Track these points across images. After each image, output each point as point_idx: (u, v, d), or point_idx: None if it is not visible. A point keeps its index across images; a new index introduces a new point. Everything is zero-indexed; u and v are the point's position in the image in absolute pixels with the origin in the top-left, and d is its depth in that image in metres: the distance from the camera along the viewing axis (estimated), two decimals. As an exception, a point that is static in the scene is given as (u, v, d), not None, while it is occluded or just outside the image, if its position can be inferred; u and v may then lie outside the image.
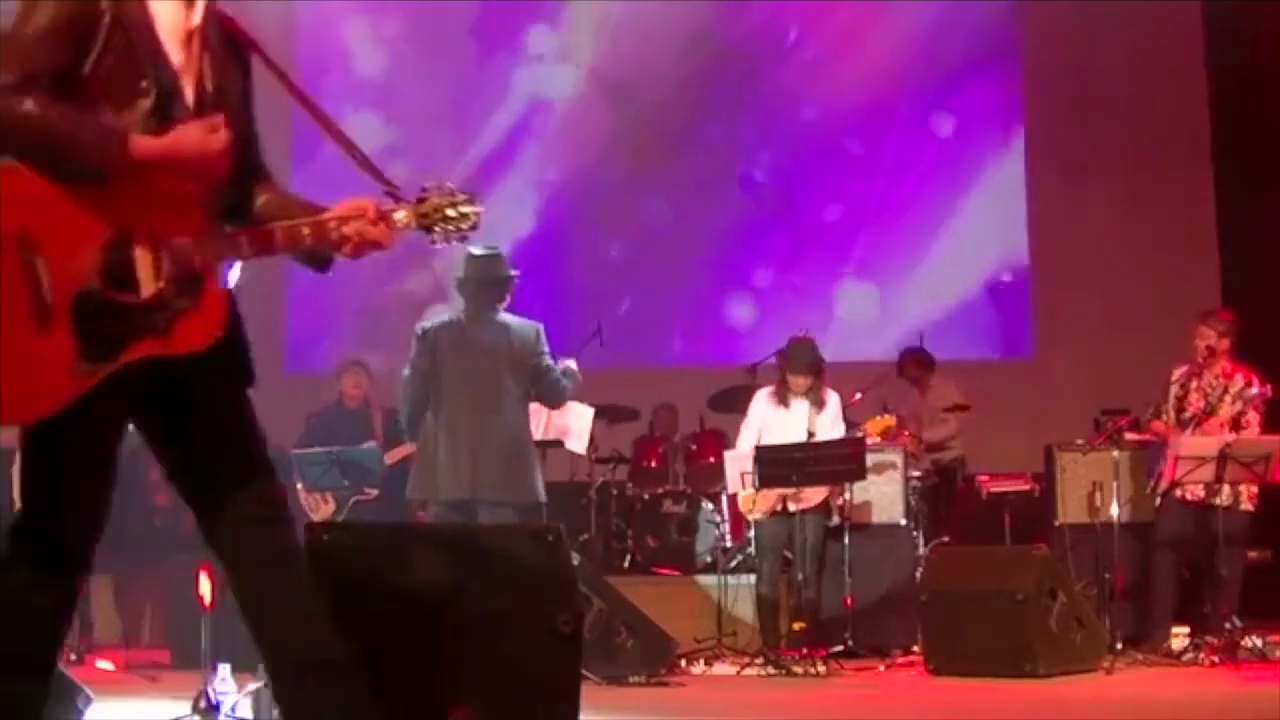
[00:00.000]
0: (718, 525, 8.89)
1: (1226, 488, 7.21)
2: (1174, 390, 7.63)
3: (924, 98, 11.45)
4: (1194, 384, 7.60)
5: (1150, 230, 10.74)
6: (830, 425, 7.53)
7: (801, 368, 7.55)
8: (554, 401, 6.99)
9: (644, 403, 10.17)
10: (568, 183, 11.85)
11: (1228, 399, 7.51)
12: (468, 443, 6.52)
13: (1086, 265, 10.87)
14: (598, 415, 8.09)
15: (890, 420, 7.95)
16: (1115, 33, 10.69)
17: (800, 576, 7.44)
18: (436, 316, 7.07)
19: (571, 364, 6.97)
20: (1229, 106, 10.57)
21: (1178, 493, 7.41)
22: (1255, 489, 7.37)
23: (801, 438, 7.36)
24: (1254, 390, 7.40)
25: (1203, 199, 10.73)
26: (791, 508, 7.39)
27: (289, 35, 12.17)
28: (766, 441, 7.48)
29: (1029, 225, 11.27)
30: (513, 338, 6.65)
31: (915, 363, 9.40)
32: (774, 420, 7.61)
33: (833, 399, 7.62)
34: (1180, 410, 7.59)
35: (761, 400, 7.75)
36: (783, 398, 7.61)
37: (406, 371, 6.86)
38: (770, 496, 7.39)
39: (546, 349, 6.74)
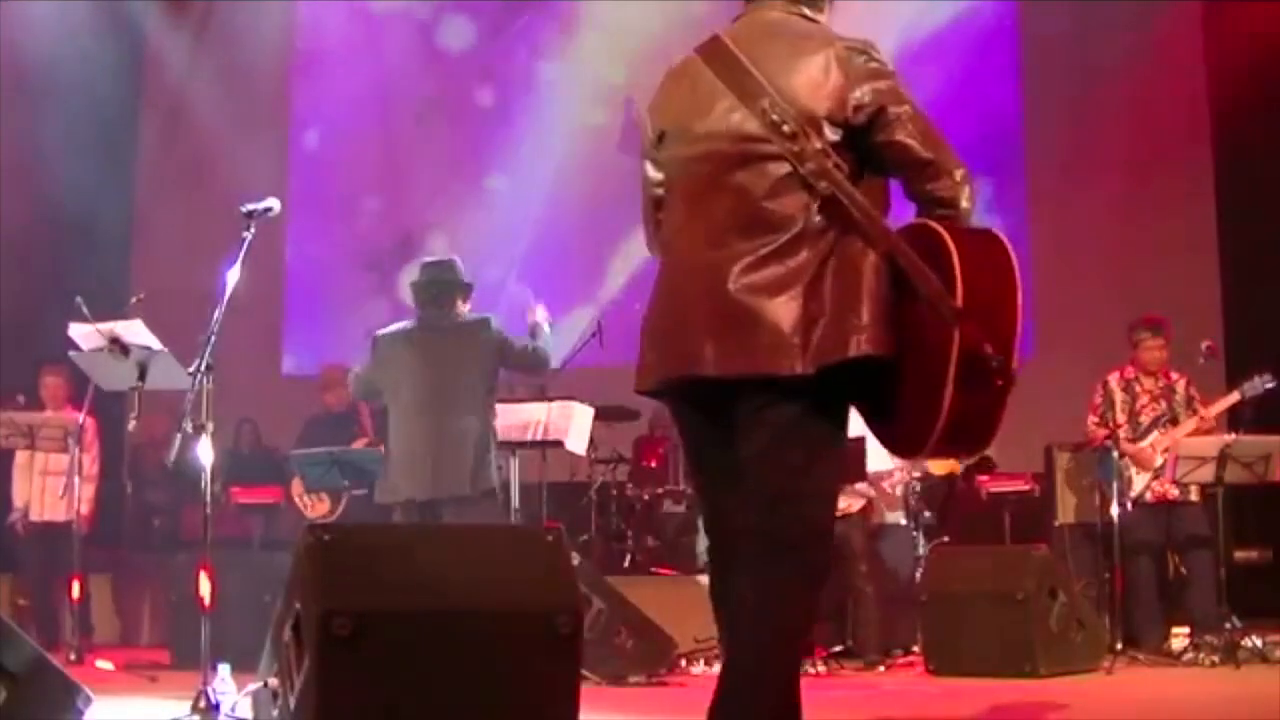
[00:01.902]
0: (718, 525, 8.88)
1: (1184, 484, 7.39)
2: (1119, 397, 7.72)
3: (922, 97, 11.41)
4: (1139, 388, 7.71)
5: (1150, 230, 10.73)
6: None
7: None
8: (538, 367, 7.01)
9: (644, 403, 10.12)
10: (568, 181, 11.85)
11: (1178, 400, 7.61)
12: (424, 445, 6.56)
13: (1086, 265, 10.86)
14: (598, 415, 8.09)
15: (955, 466, 7.98)
16: (1115, 32, 10.68)
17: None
18: (392, 326, 7.09)
19: (541, 315, 6.97)
20: (1229, 107, 10.56)
21: (1149, 496, 7.50)
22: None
23: None
24: (1255, 381, 7.40)
25: (1203, 199, 10.72)
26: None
27: (290, 35, 12.19)
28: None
29: (1029, 225, 11.26)
30: (465, 336, 6.74)
31: None
32: None
33: None
34: (1131, 414, 7.66)
35: None
36: None
37: (354, 372, 7.13)
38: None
39: (504, 332, 6.82)
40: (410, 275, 7.10)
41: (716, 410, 3.21)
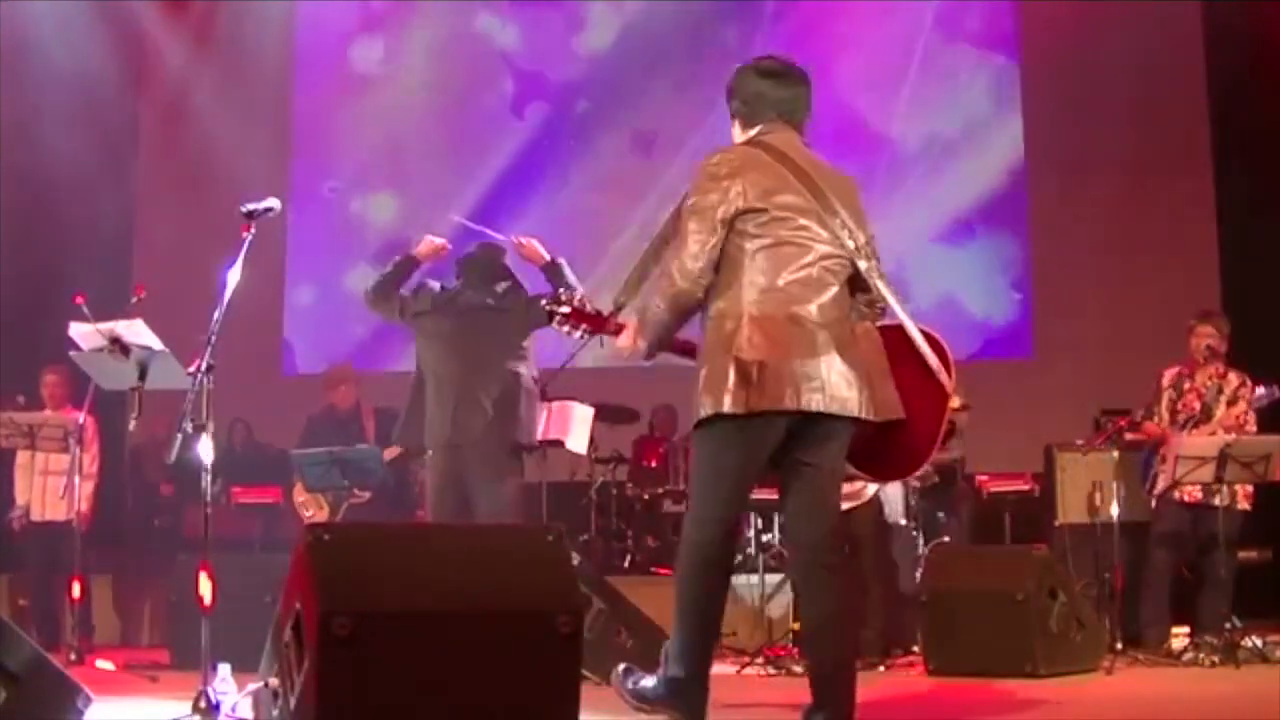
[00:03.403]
0: (717, 525, 8.88)
1: (1225, 488, 7.21)
2: (1167, 392, 7.64)
3: (923, 96, 11.45)
4: (1187, 385, 7.62)
5: (1150, 230, 10.75)
6: None
7: None
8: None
9: (644, 403, 10.17)
10: (571, 180, 11.85)
11: (1223, 400, 7.53)
12: (455, 396, 6.58)
13: (1087, 265, 10.88)
14: (598, 415, 8.10)
15: None
16: (1115, 33, 10.69)
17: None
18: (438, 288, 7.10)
19: (538, 249, 6.89)
20: (1229, 107, 10.57)
21: (1176, 494, 7.42)
22: (1251, 488, 7.37)
23: None
24: (1262, 391, 7.38)
25: (1203, 199, 10.74)
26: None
27: (290, 35, 12.19)
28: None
29: (1029, 225, 11.28)
30: (498, 296, 6.78)
31: None
32: None
33: None
34: (1174, 411, 7.60)
35: None
36: None
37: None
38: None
39: (527, 296, 6.84)
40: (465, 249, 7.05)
41: (791, 436, 4.10)
